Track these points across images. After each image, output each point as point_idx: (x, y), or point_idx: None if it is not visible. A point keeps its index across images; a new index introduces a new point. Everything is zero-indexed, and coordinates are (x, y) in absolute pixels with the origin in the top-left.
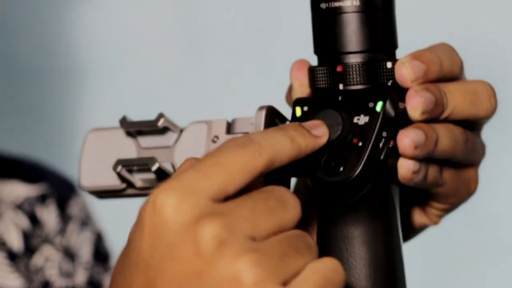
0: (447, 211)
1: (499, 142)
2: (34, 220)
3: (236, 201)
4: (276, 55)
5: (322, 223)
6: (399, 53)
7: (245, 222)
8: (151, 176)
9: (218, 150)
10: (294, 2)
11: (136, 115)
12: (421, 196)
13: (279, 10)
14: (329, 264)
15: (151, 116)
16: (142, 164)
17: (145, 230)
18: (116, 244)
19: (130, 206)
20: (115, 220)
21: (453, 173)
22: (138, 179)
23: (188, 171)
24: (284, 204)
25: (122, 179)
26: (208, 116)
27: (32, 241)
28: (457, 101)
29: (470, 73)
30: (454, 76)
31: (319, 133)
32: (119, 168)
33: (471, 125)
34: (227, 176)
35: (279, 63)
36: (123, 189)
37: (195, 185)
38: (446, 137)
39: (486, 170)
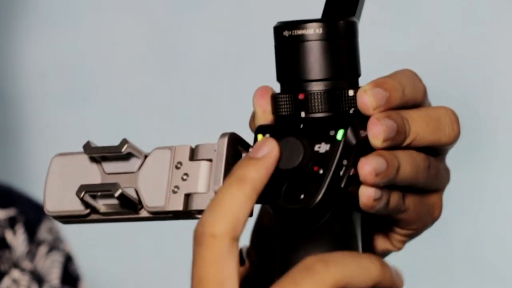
0: (410, 236)
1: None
2: (2, 244)
3: None
4: (250, 78)
5: (283, 251)
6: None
7: None
8: (114, 201)
9: None
10: (269, 25)
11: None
12: (384, 222)
13: (254, 33)
14: None
15: (121, 138)
16: (105, 190)
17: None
18: (86, 267)
19: (100, 229)
20: (86, 242)
21: (416, 199)
22: (101, 204)
23: None
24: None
25: (86, 204)
26: (181, 140)
27: (0, 265)
28: (419, 128)
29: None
30: (417, 102)
31: (263, 153)
32: (82, 193)
33: (434, 151)
34: None
35: (253, 86)
36: (87, 215)
37: None
38: (408, 164)
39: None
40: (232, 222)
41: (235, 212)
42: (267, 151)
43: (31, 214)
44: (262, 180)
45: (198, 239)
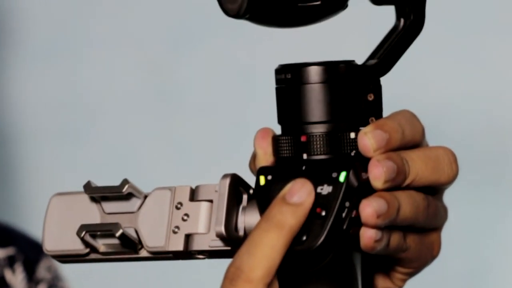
0: (411, 275)
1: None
2: (2, 283)
3: None
4: (251, 118)
5: None
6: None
7: None
8: (114, 241)
9: None
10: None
11: (107, 177)
12: (385, 261)
13: (256, 72)
14: None
15: (121, 178)
16: (106, 230)
17: None
18: None
19: (99, 268)
20: (85, 281)
21: (417, 238)
22: (101, 244)
23: None
24: None
25: (86, 244)
26: (180, 178)
27: None
28: (419, 168)
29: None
30: (415, 143)
31: (302, 199)
32: (83, 233)
33: (433, 190)
34: None
35: (253, 126)
36: (86, 254)
37: None
38: (408, 204)
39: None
40: (268, 269)
41: (273, 259)
42: (306, 196)
43: (30, 253)
44: (299, 226)
45: (232, 278)
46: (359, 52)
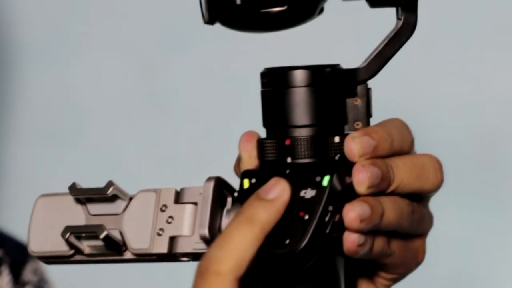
0: (395, 280)
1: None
2: None
3: None
4: (236, 122)
5: None
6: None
7: None
8: (99, 243)
9: None
10: (258, 69)
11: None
12: (369, 266)
13: (242, 77)
14: None
15: (108, 180)
16: (90, 232)
17: None
18: None
19: (84, 270)
20: (71, 283)
21: (401, 243)
22: (86, 246)
23: None
24: None
25: (71, 245)
26: (166, 181)
27: None
28: (403, 175)
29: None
30: (403, 152)
31: (275, 195)
32: (67, 234)
33: (418, 197)
34: None
35: (238, 130)
36: (71, 255)
37: None
38: (392, 210)
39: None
40: (238, 262)
41: (242, 252)
42: (279, 193)
43: (16, 255)
44: (271, 222)
45: (202, 273)
46: (352, 55)
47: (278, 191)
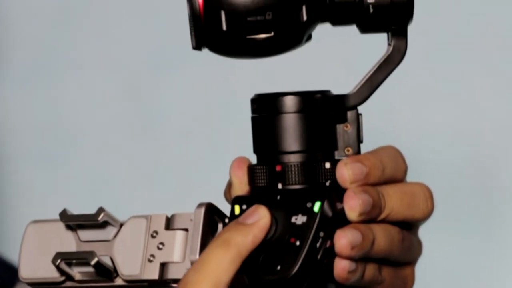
0: None
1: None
2: None
3: None
4: (227, 146)
5: None
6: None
7: None
8: (90, 269)
9: None
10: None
11: (83, 202)
12: None
13: (234, 97)
14: None
15: (98, 202)
16: (81, 258)
17: None
18: None
19: None
20: None
21: (391, 271)
22: (76, 272)
23: None
24: None
25: (61, 272)
26: (156, 205)
27: None
28: (394, 203)
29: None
30: (395, 180)
31: (253, 220)
32: (58, 261)
33: (408, 225)
34: None
35: (229, 155)
36: (62, 282)
37: None
38: (383, 237)
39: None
40: (214, 285)
41: (218, 275)
42: (257, 219)
43: (5, 276)
44: (247, 246)
45: None
46: (342, 81)
47: (256, 216)
